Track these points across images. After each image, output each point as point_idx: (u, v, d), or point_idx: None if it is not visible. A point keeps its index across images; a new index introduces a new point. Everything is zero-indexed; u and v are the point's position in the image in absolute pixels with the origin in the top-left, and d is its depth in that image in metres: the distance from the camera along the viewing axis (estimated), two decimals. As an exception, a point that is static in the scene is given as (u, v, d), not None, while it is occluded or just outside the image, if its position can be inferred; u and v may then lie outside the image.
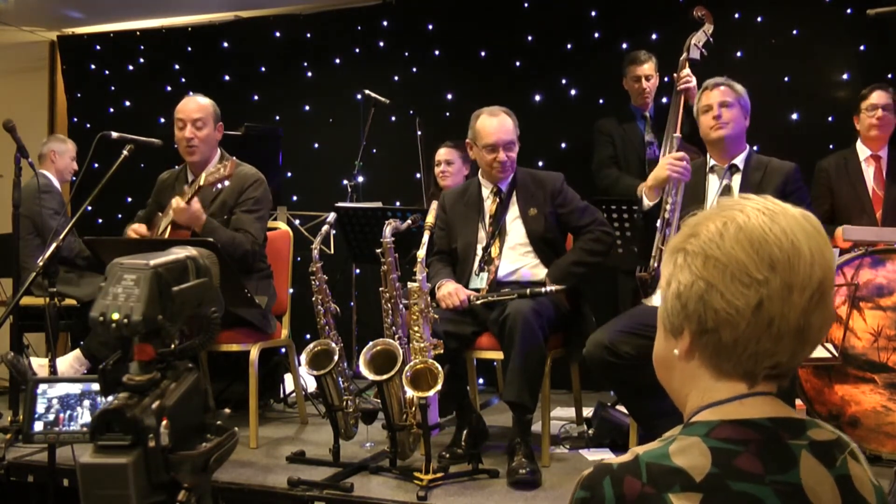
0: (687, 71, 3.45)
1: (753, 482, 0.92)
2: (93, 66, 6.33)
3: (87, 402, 2.24)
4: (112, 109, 6.24)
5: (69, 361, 3.61)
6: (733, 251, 0.96)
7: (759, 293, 0.95)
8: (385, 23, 5.55)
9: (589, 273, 3.30)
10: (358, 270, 4.98)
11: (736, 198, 1.02)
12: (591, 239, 3.28)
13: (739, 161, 3.10)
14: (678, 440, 0.97)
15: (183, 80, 6.04)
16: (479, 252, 3.34)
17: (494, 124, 3.27)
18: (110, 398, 1.23)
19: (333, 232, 3.98)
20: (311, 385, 4.08)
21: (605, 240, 3.29)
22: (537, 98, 5.15)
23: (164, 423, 1.20)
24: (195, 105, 3.51)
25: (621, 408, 3.43)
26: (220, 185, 3.25)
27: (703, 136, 3.14)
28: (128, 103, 6.20)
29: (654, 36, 4.81)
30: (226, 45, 5.96)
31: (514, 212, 3.35)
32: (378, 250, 3.12)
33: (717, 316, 0.96)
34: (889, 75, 4.44)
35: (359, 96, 5.03)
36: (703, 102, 3.10)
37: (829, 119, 4.57)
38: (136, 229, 3.44)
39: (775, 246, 0.96)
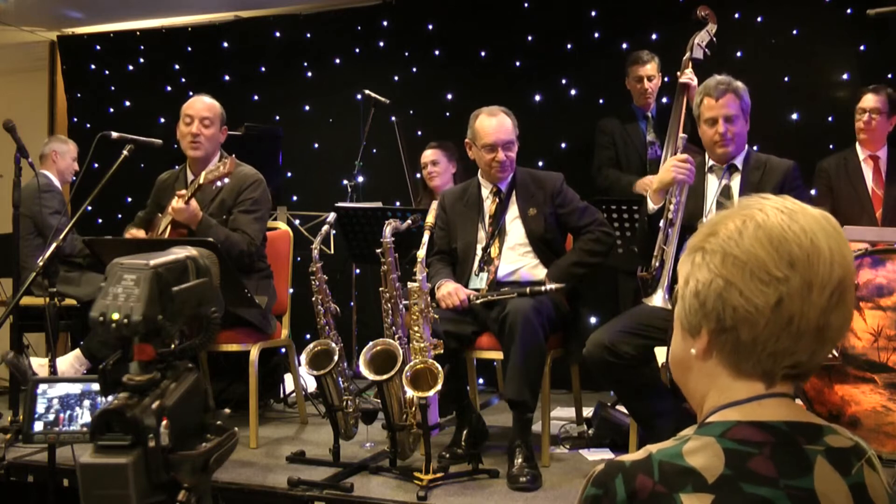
0: (690, 69, 3.43)
1: (766, 485, 0.91)
2: (93, 66, 6.33)
3: (87, 402, 2.24)
4: (112, 109, 6.24)
5: (69, 361, 3.62)
6: (752, 249, 0.96)
7: (778, 291, 0.94)
8: (385, 23, 5.55)
9: (589, 273, 3.30)
10: (358, 270, 4.98)
11: (755, 197, 1.02)
12: (591, 239, 3.28)
13: (738, 161, 3.09)
14: (693, 440, 0.96)
15: (183, 80, 6.04)
16: (479, 252, 3.34)
17: (493, 124, 3.26)
18: (110, 398, 1.23)
19: (333, 232, 3.99)
20: (311, 385, 4.08)
21: (605, 240, 3.29)
22: (537, 98, 5.15)
23: (164, 423, 1.20)
24: (204, 104, 3.53)
25: (621, 408, 3.43)
26: (219, 183, 3.25)
27: (705, 145, 3.11)
28: (128, 103, 6.20)
29: (654, 36, 4.81)
30: (226, 45, 5.96)
31: (513, 212, 3.35)
32: (378, 250, 3.12)
33: (736, 314, 0.96)
34: (889, 75, 4.44)
35: (359, 96, 5.03)
36: (707, 113, 3.03)
37: (829, 119, 4.56)
38: (134, 234, 3.45)
39: (795, 244, 0.95)
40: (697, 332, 1.01)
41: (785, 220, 0.97)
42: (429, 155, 4.35)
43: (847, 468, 0.96)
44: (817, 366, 1.00)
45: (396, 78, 5.47)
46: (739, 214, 0.99)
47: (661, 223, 3.00)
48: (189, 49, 6.08)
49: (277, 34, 5.81)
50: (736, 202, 1.07)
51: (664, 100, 4.33)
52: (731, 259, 0.97)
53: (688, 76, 3.56)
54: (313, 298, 3.29)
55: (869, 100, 3.78)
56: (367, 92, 4.67)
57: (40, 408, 2.22)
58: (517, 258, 3.31)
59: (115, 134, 3.51)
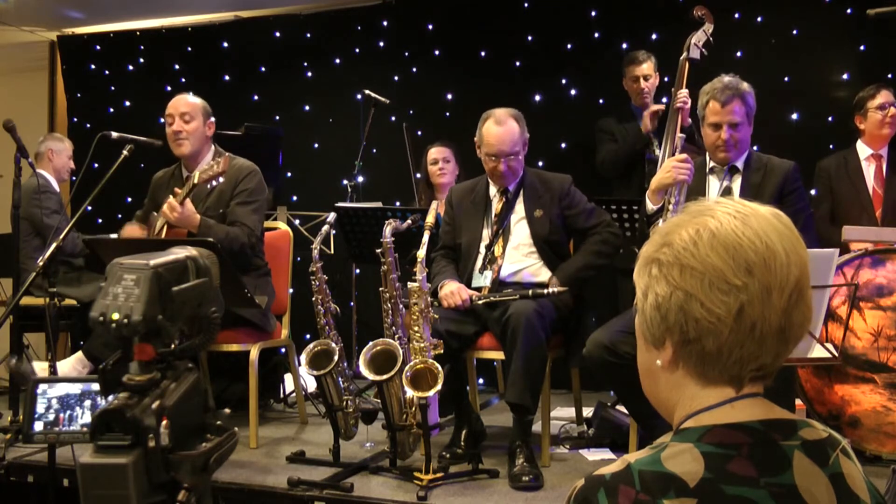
0: (685, 92, 3.35)
1: (747, 485, 0.92)
2: (93, 66, 6.33)
3: (87, 402, 2.24)
4: (112, 109, 6.23)
5: (71, 364, 3.61)
6: (709, 259, 0.96)
7: (738, 299, 0.95)
8: (385, 23, 5.55)
9: (595, 275, 3.30)
10: (358, 270, 4.98)
11: (707, 202, 1.02)
12: (599, 240, 3.27)
13: (739, 163, 3.08)
14: (670, 447, 0.97)
15: (183, 80, 6.03)
16: (483, 251, 3.34)
17: (499, 133, 3.24)
18: (110, 398, 1.23)
19: (333, 232, 3.98)
20: (311, 385, 4.08)
21: (613, 241, 3.29)
22: (537, 98, 5.15)
23: (164, 423, 1.20)
24: (182, 101, 3.55)
25: (621, 408, 3.43)
26: (214, 183, 3.26)
27: (706, 147, 3.10)
28: (128, 103, 6.20)
29: (654, 36, 4.81)
30: (226, 45, 5.96)
31: (519, 212, 3.35)
32: (378, 250, 3.12)
33: (699, 325, 0.96)
34: (889, 75, 4.44)
35: (359, 96, 5.03)
36: (711, 118, 3.01)
37: (829, 119, 4.56)
38: (131, 230, 3.46)
39: (750, 250, 0.95)
40: (661, 344, 1.01)
41: (738, 226, 0.97)
42: (437, 152, 4.33)
43: (824, 459, 0.97)
44: (781, 364, 1.01)
45: (396, 78, 5.47)
46: (692, 222, 0.99)
47: (660, 223, 2.99)
48: (189, 49, 6.07)
49: (277, 34, 5.81)
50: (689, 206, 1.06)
51: (663, 99, 4.33)
52: (689, 270, 0.97)
53: (682, 98, 3.49)
54: (313, 298, 3.29)
55: (887, 95, 3.76)
56: (367, 92, 4.67)
57: (40, 408, 2.22)
58: (521, 258, 3.31)
59: (115, 134, 3.51)
